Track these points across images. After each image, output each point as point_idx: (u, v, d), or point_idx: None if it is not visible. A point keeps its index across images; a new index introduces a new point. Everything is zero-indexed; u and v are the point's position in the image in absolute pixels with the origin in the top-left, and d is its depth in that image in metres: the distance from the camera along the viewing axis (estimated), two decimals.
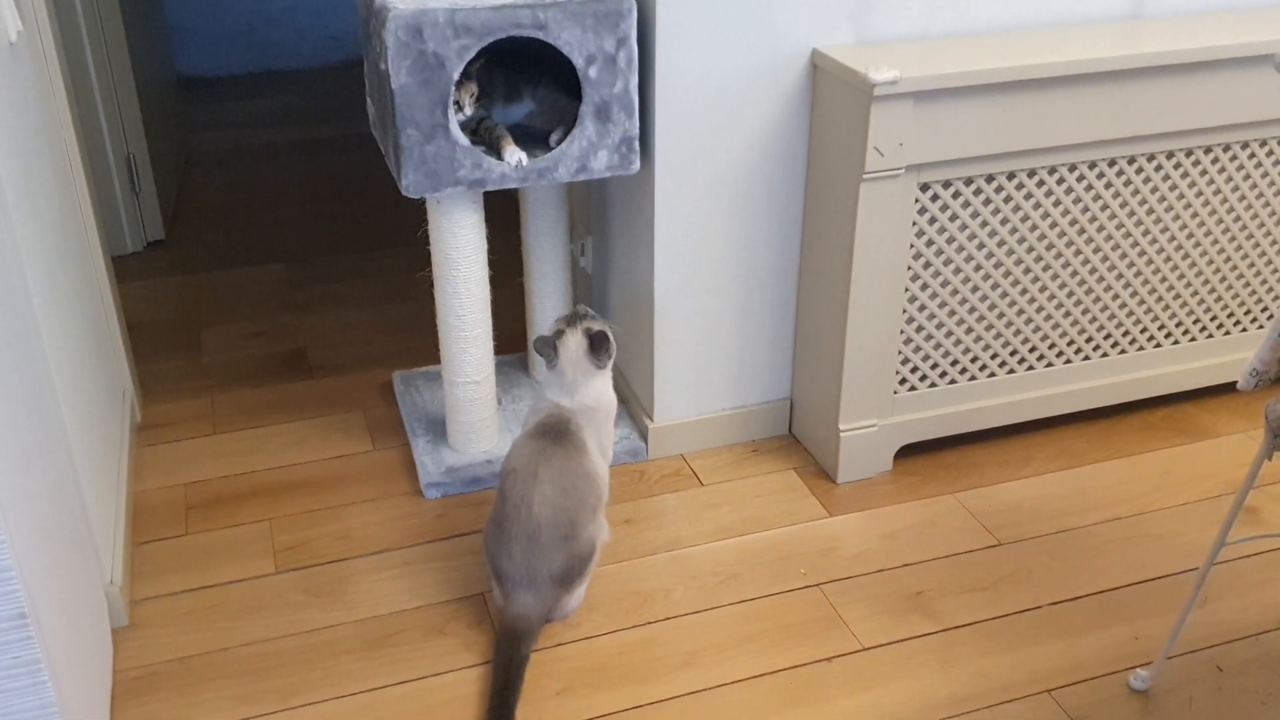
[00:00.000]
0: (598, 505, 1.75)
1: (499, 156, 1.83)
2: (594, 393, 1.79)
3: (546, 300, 2.23)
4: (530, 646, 1.68)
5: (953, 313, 2.04)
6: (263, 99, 4.46)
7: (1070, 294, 2.10)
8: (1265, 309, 2.28)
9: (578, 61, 1.81)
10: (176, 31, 5.20)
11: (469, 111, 1.82)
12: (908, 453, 2.15)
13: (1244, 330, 2.28)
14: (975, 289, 2.03)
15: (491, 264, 2.00)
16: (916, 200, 1.90)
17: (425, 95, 1.74)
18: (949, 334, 2.06)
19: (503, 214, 2.21)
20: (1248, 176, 2.11)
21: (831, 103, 1.90)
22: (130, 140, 2.95)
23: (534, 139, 1.92)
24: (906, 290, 1.98)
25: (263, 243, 3.15)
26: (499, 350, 2.21)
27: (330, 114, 4.25)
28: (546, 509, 1.68)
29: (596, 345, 1.78)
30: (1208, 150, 2.06)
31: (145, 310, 2.77)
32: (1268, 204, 2.16)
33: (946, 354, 2.08)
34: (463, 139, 1.80)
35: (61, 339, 1.67)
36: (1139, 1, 2.06)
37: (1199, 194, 2.10)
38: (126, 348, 2.28)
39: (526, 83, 1.95)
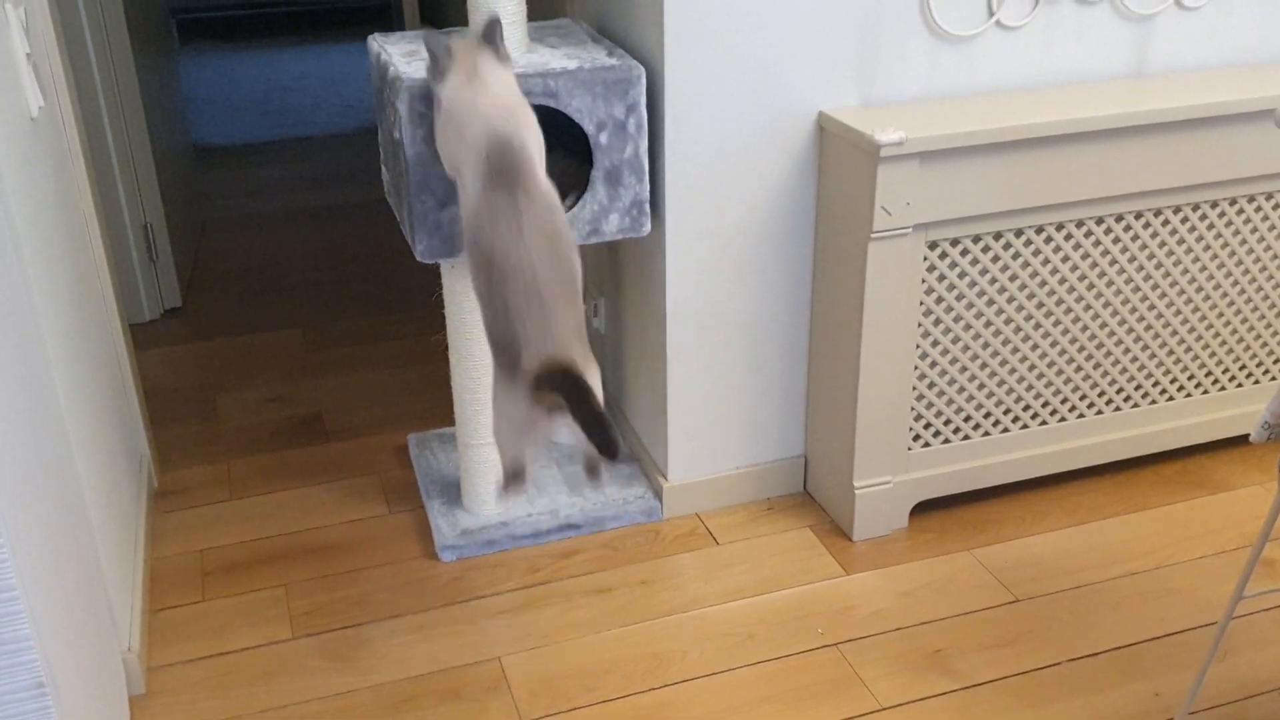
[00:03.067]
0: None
1: None
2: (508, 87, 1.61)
3: None
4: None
5: (965, 369, 2.05)
6: (278, 166, 4.52)
7: (1081, 349, 2.11)
8: (1276, 361, 2.28)
9: (588, 128, 1.84)
10: (193, 101, 5.30)
11: None
12: (923, 509, 2.15)
13: (1256, 382, 2.28)
14: (986, 345, 2.04)
15: None
16: (925, 258, 1.92)
17: (439, 163, 1.77)
18: (961, 390, 2.07)
19: None
20: (1255, 229, 2.12)
21: (838, 163, 1.92)
22: (148, 209, 2.99)
23: None
24: (918, 347, 1.99)
25: (279, 308, 3.18)
26: None
27: (345, 180, 4.31)
28: (546, 268, 1.48)
29: (490, 30, 1.61)
30: (1214, 204, 2.07)
31: (162, 377, 2.79)
32: (1276, 256, 2.17)
33: (960, 410, 2.09)
34: None
35: (80, 408, 1.68)
36: (1140, 59, 2.09)
37: (1206, 247, 2.11)
38: (143, 415, 2.30)
39: None
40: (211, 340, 2.99)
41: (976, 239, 1.94)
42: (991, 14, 1.96)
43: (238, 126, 5.01)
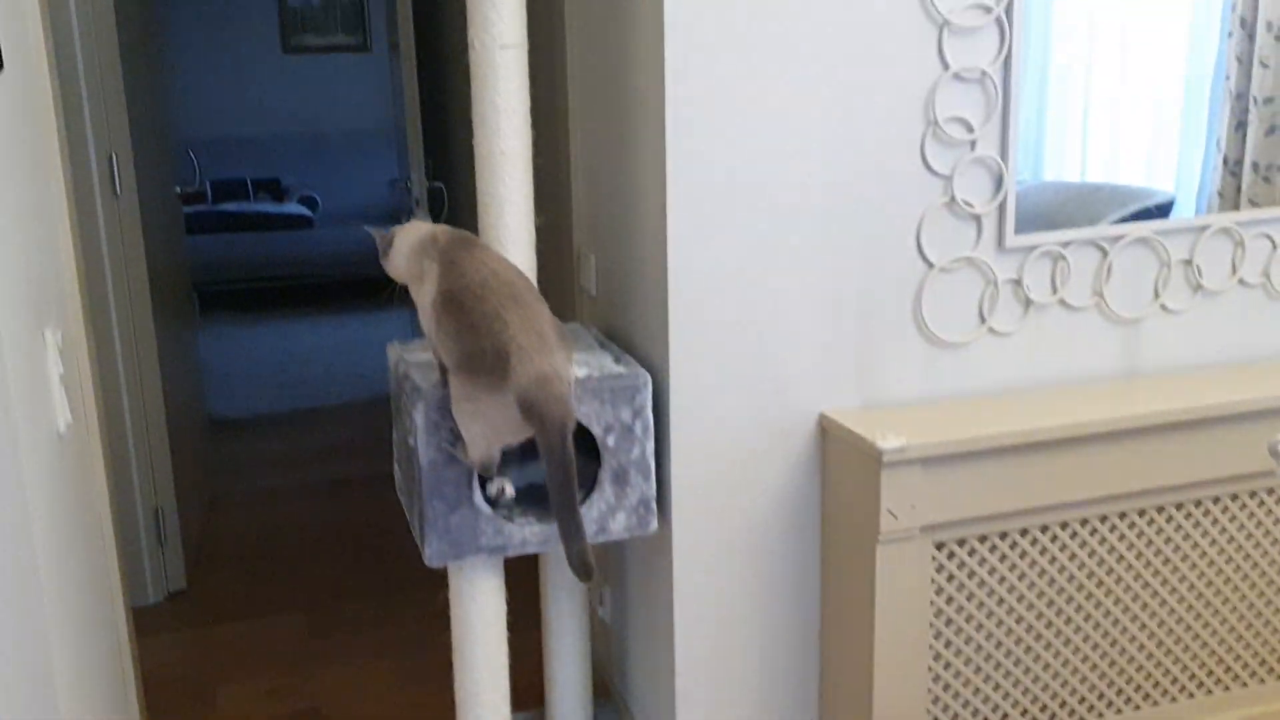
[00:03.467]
0: None
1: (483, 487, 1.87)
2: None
3: (565, 655, 2.22)
4: (571, 424, 1.68)
5: (979, 669, 2.02)
6: (290, 439, 4.60)
7: (1095, 646, 2.09)
8: None
9: (596, 431, 1.89)
10: (209, 373, 5.43)
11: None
12: None
13: (1279, 678, 2.24)
14: (999, 644, 2.02)
15: (509, 608, 2.00)
16: (933, 558, 1.93)
17: (452, 470, 1.81)
18: (977, 691, 2.03)
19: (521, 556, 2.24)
20: (1260, 524, 2.14)
21: (842, 465, 1.96)
22: (160, 493, 3.03)
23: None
24: (930, 647, 1.98)
25: (283, 590, 3.16)
26: (516, 705, 2.18)
27: (357, 452, 4.36)
28: (510, 272, 1.73)
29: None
30: (1216, 500, 2.10)
31: (163, 666, 2.75)
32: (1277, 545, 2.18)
33: (976, 711, 2.04)
34: (485, 508, 1.86)
35: (79, 701, 1.66)
36: (1129, 360, 2.16)
37: (1213, 542, 2.12)
38: (141, 707, 2.26)
39: None
40: (214, 626, 2.97)
41: (983, 539, 1.96)
42: (983, 321, 2.05)
43: (252, 399, 5.12)
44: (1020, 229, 2.02)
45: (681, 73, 1.80)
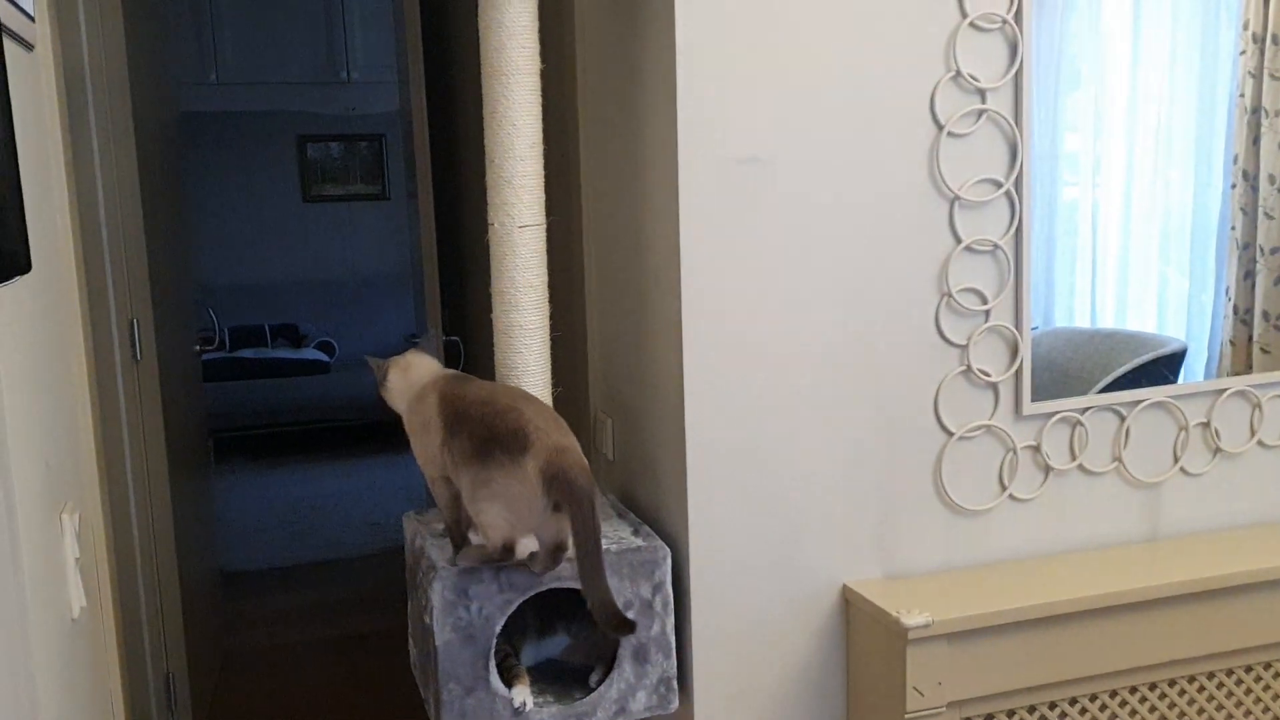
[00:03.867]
0: None
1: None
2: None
3: None
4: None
5: None
6: (303, 592, 4.55)
7: None
8: None
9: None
10: (222, 522, 5.41)
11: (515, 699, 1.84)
12: None
13: None
14: None
15: None
16: None
17: (468, 650, 1.78)
18: None
19: None
20: None
21: (866, 639, 1.93)
22: (171, 658, 2.99)
23: (570, 675, 1.93)
24: None
25: None
26: None
27: (369, 606, 4.32)
28: (514, 389, 1.84)
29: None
30: (1248, 669, 2.05)
31: None
32: None
33: None
34: (502, 689, 1.82)
35: None
36: (1151, 524, 2.14)
37: (1247, 713, 2.06)
38: None
39: (562, 617, 1.99)
40: None
41: (1011, 714, 1.91)
42: (1004, 488, 2.03)
43: (265, 550, 5.09)
44: (1034, 378, 2.01)
45: (696, 246, 1.83)
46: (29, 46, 1.72)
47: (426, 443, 1.82)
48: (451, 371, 1.91)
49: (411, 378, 1.90)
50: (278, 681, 3.62)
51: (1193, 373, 2.25)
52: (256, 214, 7.45)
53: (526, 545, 1.76)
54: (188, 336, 3.56)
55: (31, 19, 1.73)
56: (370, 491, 5.95)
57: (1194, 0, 2.14)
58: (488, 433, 1.71)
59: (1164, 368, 2.23)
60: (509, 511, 1.71)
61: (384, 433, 6.61)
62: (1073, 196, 2.11)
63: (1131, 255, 2.21)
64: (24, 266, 1.39)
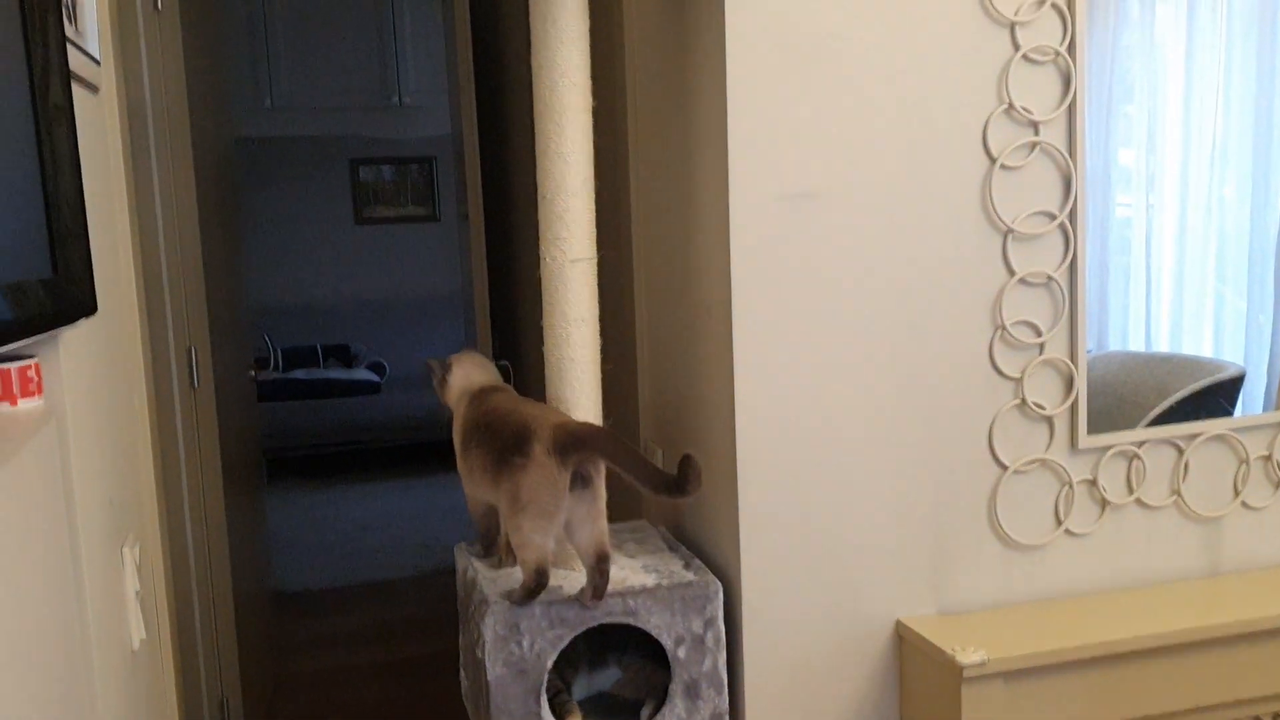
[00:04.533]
0: None
1: None
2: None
3: None
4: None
5: None
6: (355, 614, 4.58)
7: None
8: None
9: (667, 642, 1.86)
10: (276, 543, 5.46)
11: None
12: None
13: None
14: None
15: None
16: None
17: (520, 685, 1.79)
18: None
19: None
20: None
21: (920, 676, 1.91)
22: (225, 683, 3.03)
23: (622, 709, 1.93)
24: None
25: None
26: None
27: (420, 629, 4.34)
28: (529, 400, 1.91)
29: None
30: None
31: None
32: None
33: None
34: None
35: None
36: (1211, 559, 2.11)
37: None
38: None
39: (613, 649, 1.99)
40: None
41: None
42: (1059, 523, 2.01)
43: (317, 570, 5.14)
44: (1088, 405, 1.98)
45: (747, 279, 1.83)
46: (94, 89, 1.76)
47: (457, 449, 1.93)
48: (487, 385, 1.97)
49: (459, 382, 1.99)
50: (330, 706, 3.64)
51: (1251, 398, 2.22)
52: (309, 236, 7.54)
53: (562, 577, 1.83)
54: (243, 361, 3.61)
55: (97, 62, 1.77)
56: (420, 512, 5.99)
57: (1249, 14, 2.11)
58: (498, 443, 1.78)
59: (1221, 393, 2.20)
60: (539, 516, 1.74)
61: (434, 454, 6.65)
62: (1126, 214, 2.09)
63: (1187, 275, 2.18)
64: (91, 309, 1.42)
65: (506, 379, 2.05)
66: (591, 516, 1.78)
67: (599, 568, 1.78)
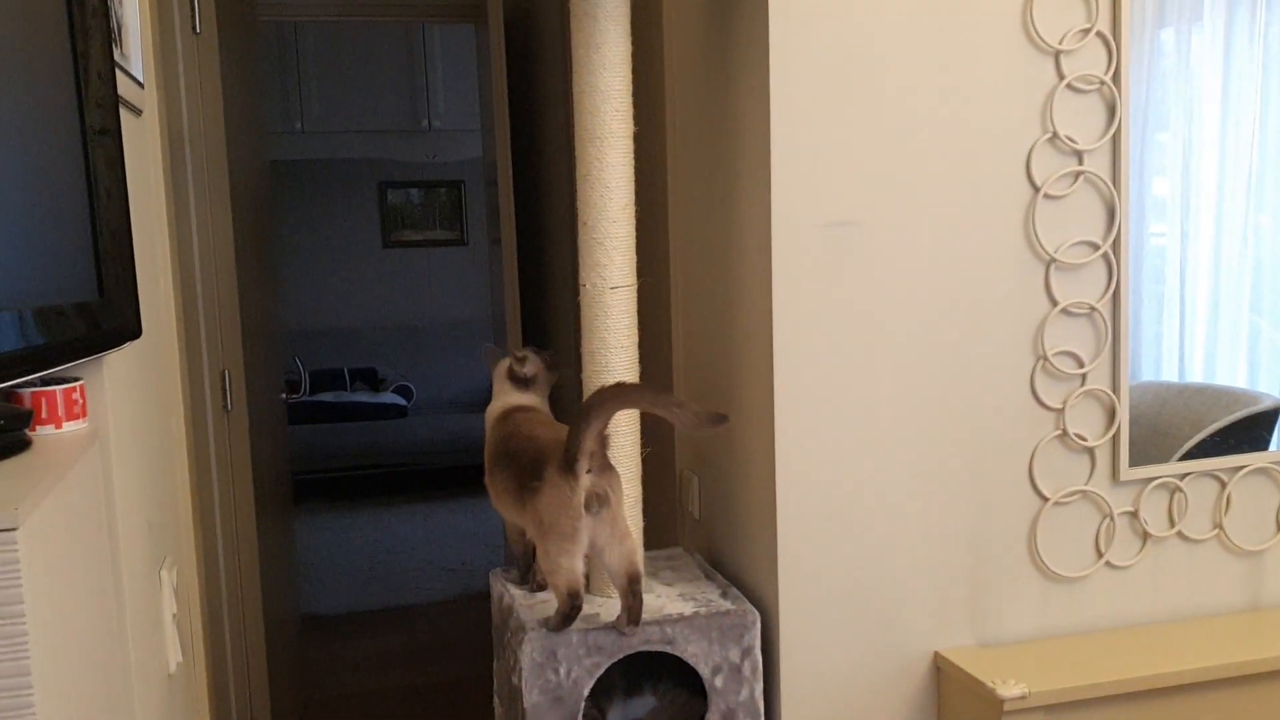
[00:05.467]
0: None
1: None
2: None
3: None
4: None
5: None
6: (381, 637, 4.57)
7: None
8: None
9: (703, 671, 1.84)
10: (303, 565, 5.46)
11: None
12: None
13: None
14: None
15: None
16: None
17: (556, 713, 1.77)
18: None
19: None
20: None
21: (960, 709, 1.89)
22: (255, 708, 3.02)
23: None
24: None
25: None
26: None
27: (446, 654, 4.32)
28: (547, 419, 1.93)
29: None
30: None
31: None
32: None
33: None
34: None
35: None
36: (1253, 593, 2.08)
37: None
38: None
39: (649, 677, 1.98)
40: None
41: None
42: (1100, 555, 1.99)
43: (344, 594, 5.13)
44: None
45: (788, 308, 1.83)
46: (138, 112, 1.77)
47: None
48: (513, 406, 1.96)
49: (494, 399, 2.00)
50: None
51: None
52: (337, 258, 7.57)
53: (599, 604, 1.83)
54: (275, 384, 3.62)
55: (141, 85, 1.79)
56: (446, 536, 5.98)
57: None
58: (518, 468, 1.79)
59: (1258, 425, 2.17)
60: (561, 539, 1.73)
61: (460, 477, 6.66)
62: (1160, 243, 2.07)
63: (1221, 306, 2.15)
64: (135, 332, 1.42)
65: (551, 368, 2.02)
66: (616, 536, 1.76)
67: (631, 589, 1.77)
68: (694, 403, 1.74)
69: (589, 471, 1.71)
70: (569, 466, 1.70)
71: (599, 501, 1.74)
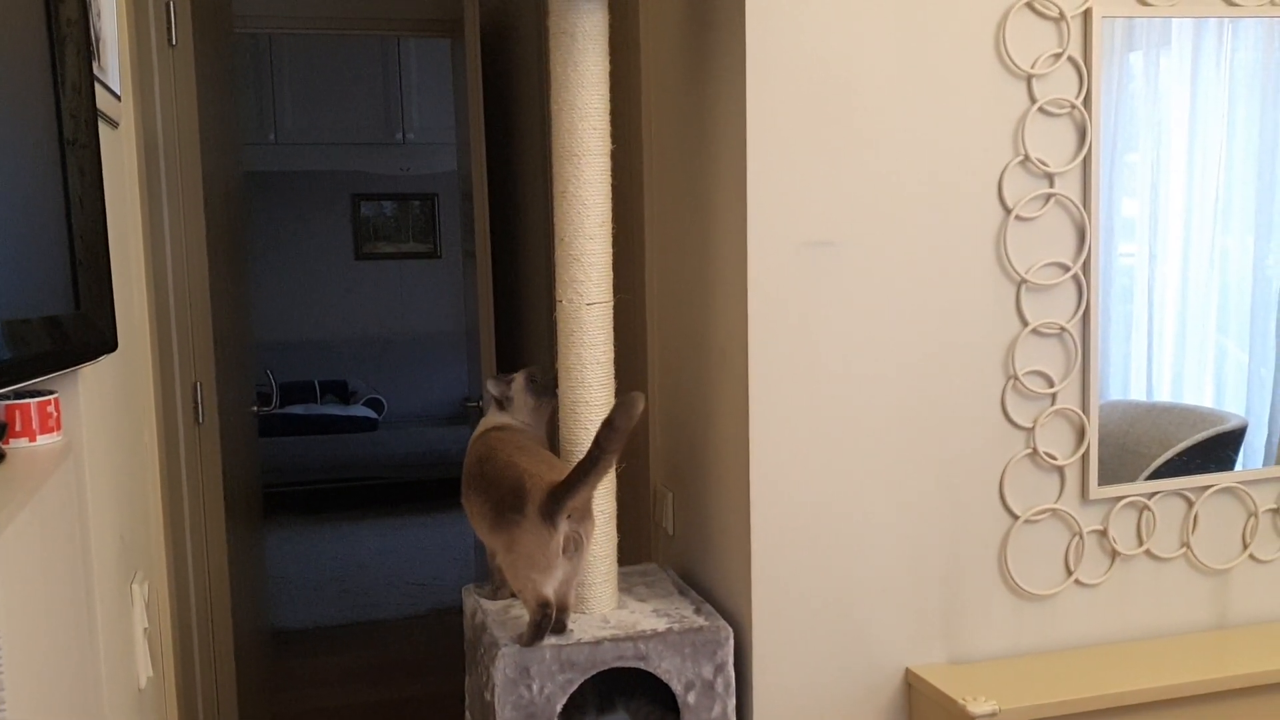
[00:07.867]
0: None
1: None
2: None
3: None
4: None
5: None
6: (349, 653, 4.55)
7: None
8: None
9: (676, 688, 1.85)
10: (273, 579, 5.42)
11: None
12: None
13: None
14: None
15: None
16: None
17: None
18: None
19: None
20: None
21: None
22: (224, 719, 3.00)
23: None
24: None
25: None
26: None
27: (414, 669, 4.30)
28: (526, 439, 1.95)
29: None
30: None
31: None
32: None
33: None
34: None
35: None
36: (1219, 611, 2.10)
37: None
38: None
39: (622, 693, 1.98)
40: None
41: None
42: (1069, 573, 2.01)
43: (313, 608, 5.10)
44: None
45: (764, 326, 1.84)
46: (114, 124, 1.77)
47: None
48: (492, 425, 1.99)
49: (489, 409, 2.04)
50: None
51: (1253, 450, 2.22)
52: (309, 270, 7.53)
53: (572, 620, 1.85)
54: (247, 397, 3.60)
55: (118, 98, 1.78)
56: (415, 551, 5.95)
57: (1252, 65, 2.12)
58: (496, 495, 1.82)
59: (1224, 445, 2.19)
60: (533, 570, 1.77)
61: (430, 491, 6.64)
62: (1128, 264, 2.09)
63: (1189, 326, 2.18)
64: (110, 345, 1.42)
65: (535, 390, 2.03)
66: (575, 574, 1.82)
67: (559, 616, 1.81)
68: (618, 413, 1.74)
69: (569, 517, 1.75)
70: (551, 517, 1.73)
71: (575, 546, 1.78)
